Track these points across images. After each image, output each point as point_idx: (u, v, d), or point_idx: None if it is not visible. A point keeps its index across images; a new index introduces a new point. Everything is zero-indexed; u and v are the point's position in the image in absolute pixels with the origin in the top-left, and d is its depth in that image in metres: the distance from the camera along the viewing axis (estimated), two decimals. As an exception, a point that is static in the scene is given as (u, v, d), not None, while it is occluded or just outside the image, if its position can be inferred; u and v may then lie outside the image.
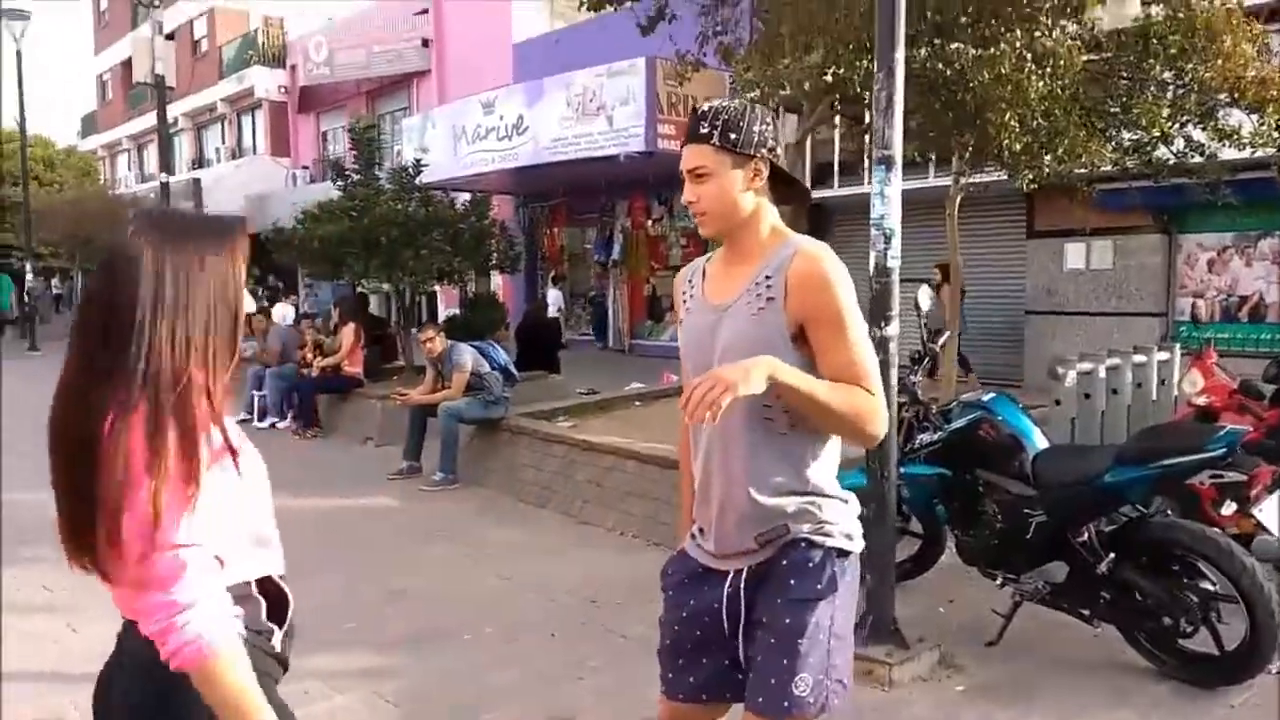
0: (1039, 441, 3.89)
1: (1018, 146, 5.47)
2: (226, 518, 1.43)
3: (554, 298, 17.29)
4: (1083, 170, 6.49)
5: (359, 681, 3.67)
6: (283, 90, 26.19)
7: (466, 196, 13.28)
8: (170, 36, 26.13)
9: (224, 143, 29.32)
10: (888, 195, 3.63)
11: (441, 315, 18.49)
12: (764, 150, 1.90)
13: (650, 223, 17.78)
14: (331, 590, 4.76)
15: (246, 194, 24.60)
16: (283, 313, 12.97)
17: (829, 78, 5.74)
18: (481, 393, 7.40)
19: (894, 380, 3.67)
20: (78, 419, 1.36)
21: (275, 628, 1.54)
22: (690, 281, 2.09)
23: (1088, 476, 3.59)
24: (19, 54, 19.03)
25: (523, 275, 18.25)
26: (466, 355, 7.49)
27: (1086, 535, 3.67)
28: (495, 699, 3.54)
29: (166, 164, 12.25)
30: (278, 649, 1.55)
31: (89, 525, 1.34)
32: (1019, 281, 12.36)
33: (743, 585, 1.94)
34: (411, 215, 9.97)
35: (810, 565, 1.89)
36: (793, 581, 1.88)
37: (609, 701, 3.51)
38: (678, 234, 17.24)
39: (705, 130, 1.89)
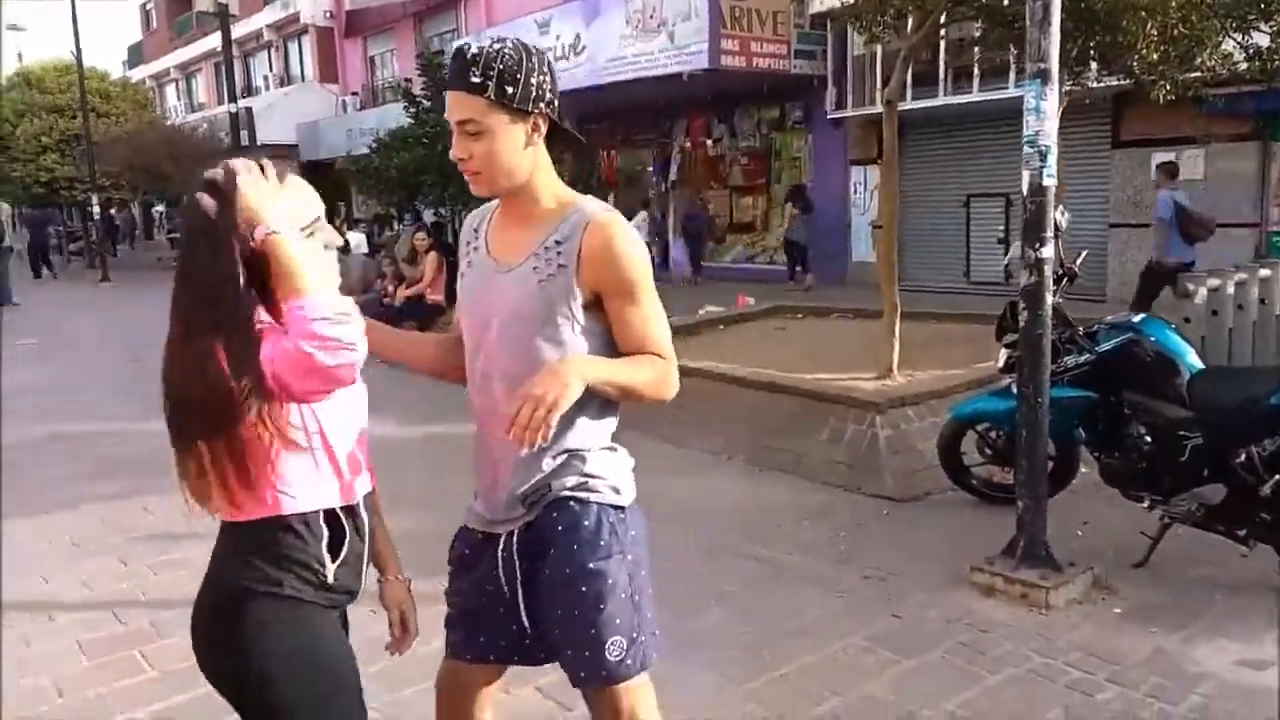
0: (1195, 363, 3.78)
1: (1154, 56, 5.19)
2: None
3: (640, 221, 16.85)
4: (1200, 75, 6.18)
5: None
6: (328, 15, 25.90)
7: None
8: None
9: (271, 70, 29.18)
10: (1043, 110, 3.48)
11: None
12: (542, 105, 1.73)
13: (710, 142, 17.47)
14: (445, 514, 4.82)
15: (298, 122, 24.56)
16: (356, 241, 13.04)
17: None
18: (573, 319, 7.38)
19: (1049, 302, 3.58)
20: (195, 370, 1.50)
21: (329, 560, 1.63)
22: (476, 231, 1.93)
23: (1254, 398, 3.49)
24: (71, -15, 18.95)
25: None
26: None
27: (1244, 456, 3.58)
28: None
29: (232, 94, 12.18)
30: (330, 579, 1.63)
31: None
32: (1101, 193, 12.00)
33: (516, 548, 1.85)
34: (485, 139, 9.86)
35: (586, 526, 1.79)
36: (576, 547, 1.78)
37: (762, 624, 3.54)
38: (738, 153, 16.93)
39: (478, 80, 1.68)
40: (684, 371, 6.21)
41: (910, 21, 6.06)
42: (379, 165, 9.95)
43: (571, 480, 1.79)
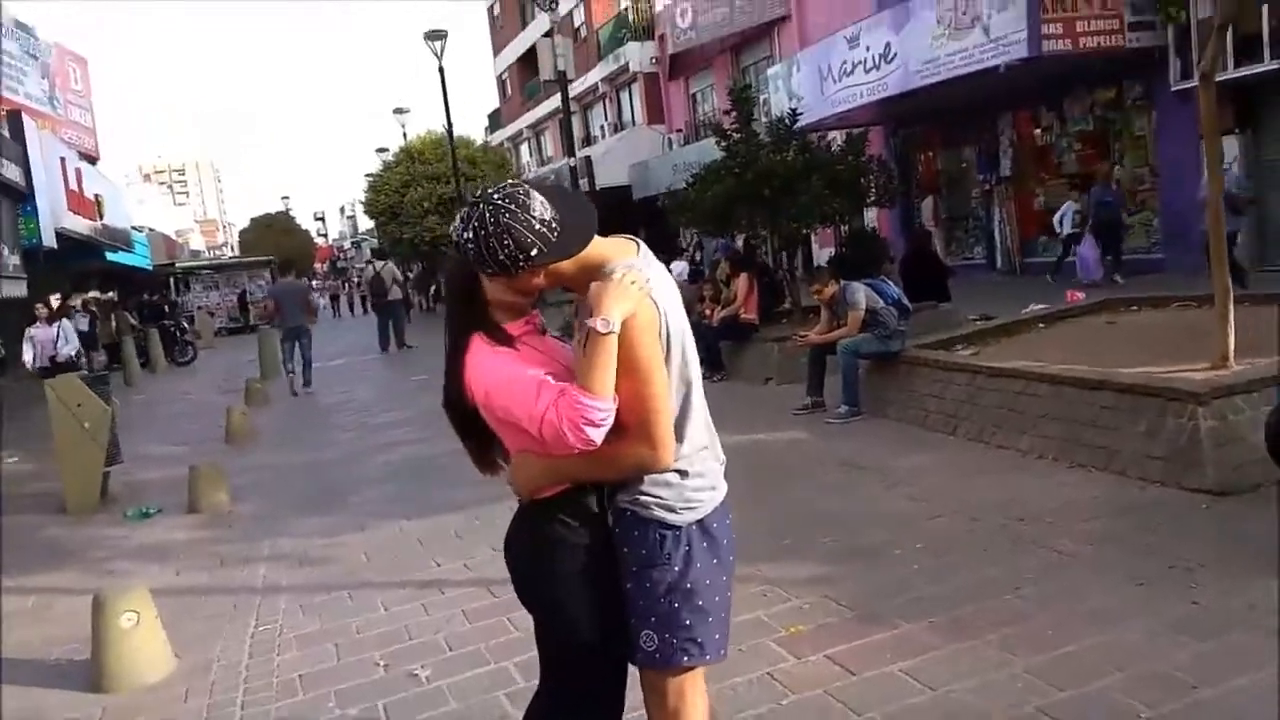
0: None
1: None
2: None
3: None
4: None
5: (809, 588, 4.11)
6: (654, 61, 27.76)
7: (839, 136, 13.33)
8: (548, 33, 28.77)
9: (606, 119, 31.75)
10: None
11: (817, 258, 18.79)
12: (521, 263, 1.91)
13: (1038, 131, 16.59)
14: (764, 511, 5.29)
15: (630, 163, 26.56)
16: (679, 270, 14.09)
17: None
18: (878, 328, 7.58)
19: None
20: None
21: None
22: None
23: None
24: (441, 69, 22.10)
25: (898, 207, 17.97)
26: (860, 294, 7.70)
27: None
28: (939, 606, 3.79)
29: (570, 149, 13.70)
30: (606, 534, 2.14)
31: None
32: None
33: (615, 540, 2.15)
34: (790, 164, 10.30)
35: (635, 535, 2.08)
36: (626, 550, 2.10)
37: (1055, 609, 3.62)
38: (1071, 139, 15.91)
39: (471, 259, 1.96)
40: (992, 373, 6.23)
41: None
42: (694, 198, 10.73)
43: (626, 496, 2.08)
